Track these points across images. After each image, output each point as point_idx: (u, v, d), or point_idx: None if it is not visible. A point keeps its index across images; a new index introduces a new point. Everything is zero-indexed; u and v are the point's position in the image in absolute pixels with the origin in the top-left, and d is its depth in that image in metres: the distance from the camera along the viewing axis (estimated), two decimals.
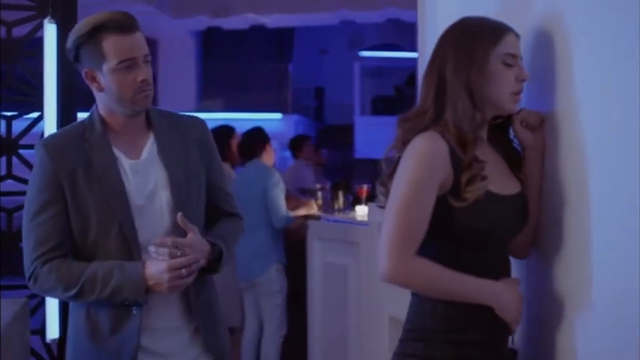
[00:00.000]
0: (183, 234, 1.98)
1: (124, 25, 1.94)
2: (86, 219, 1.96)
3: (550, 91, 1.86)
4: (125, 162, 2.01)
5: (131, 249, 1.96)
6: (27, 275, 1.96)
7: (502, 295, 1.73)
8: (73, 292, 1.92)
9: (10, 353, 1.59)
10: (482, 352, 1.75)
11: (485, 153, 1.80)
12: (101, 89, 1.98)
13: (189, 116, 2.19)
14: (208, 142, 2.17)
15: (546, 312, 1.85)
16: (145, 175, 2.02)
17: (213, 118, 11.01)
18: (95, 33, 1.93)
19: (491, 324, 1.74)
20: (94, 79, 1.98)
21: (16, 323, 1.67)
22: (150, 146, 2.06)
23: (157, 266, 1.91)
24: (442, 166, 1.70)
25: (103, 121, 2.03)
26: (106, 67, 1.94)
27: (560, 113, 1.83)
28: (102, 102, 2.02)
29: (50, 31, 2.61)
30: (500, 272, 1.80)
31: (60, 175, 1.95)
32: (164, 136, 2.08)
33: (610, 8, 1.63)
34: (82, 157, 1.98)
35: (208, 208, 2.16)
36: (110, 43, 1.92)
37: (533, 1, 1.97)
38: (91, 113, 2.06)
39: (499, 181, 1.78)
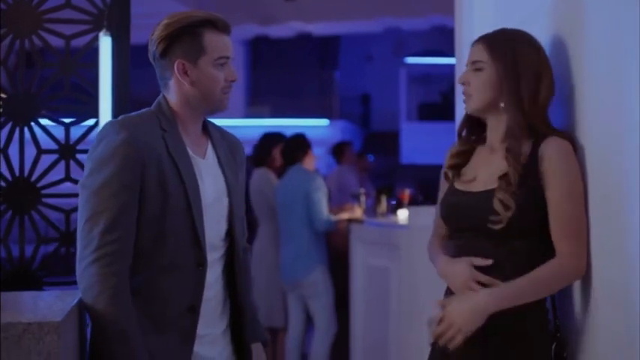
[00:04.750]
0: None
1: (224, 24, 2.01)
2: (165, 210, 1.91)
3: (565, 103, 1.97)
4: (195, 158, 2.02)
5: (201, 248, 1.95)
6: (88, 258, 1.84)
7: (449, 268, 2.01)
8: (105, 327, 1.82)
9: (65, 345, 1.71)
10: None
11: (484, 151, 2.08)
12: (191, 83, 1.99)
13: (232, 134, 2.22)
14: (244, 164, 2.21)
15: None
16: (213, 177, 2.04)
17: (261, 124, 11.20)
18: (197, 26, 1.97)
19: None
20: (185, 72, 1.98)
21: (72, 316, 1.79)
22: (210, 150, 2.08)
23: None
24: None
25: (174, 115, 2.03)
26: (203, 61, 1.98)
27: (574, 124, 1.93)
28: (182, 96, 2.01)
29: (105, 43, 2.76)
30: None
31: (145, 159, 1.90)
32: (218, 144, 2.11)
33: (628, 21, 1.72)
34: (162, 144, 1.95)
35: None
36: (211, 38, 1.98)
37: (560, 7, 2.06)
38: (159, 106, 2.04)
39: (471, 176, 2.05)
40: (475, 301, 1.87)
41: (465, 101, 2.04)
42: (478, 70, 2.00)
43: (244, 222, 2.19)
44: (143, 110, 2.06)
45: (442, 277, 2.04)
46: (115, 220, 1.85)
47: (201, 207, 1.96)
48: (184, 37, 1.97)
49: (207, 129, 2.11)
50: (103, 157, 1.89)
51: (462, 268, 1.96)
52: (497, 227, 1.91)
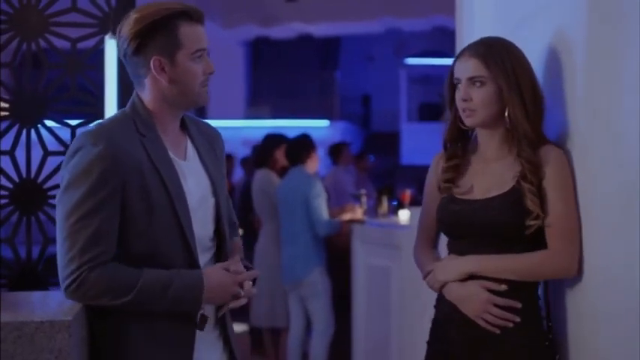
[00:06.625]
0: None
1: (198, 14, 1.90)
2: (150, 219, 1.83)
3: (564, 103, 1.99)
4: (177, 161, 1.92)
5: (192, 252, 1.89)
6: (67, 280, 1.78)
7: (461, 292, 2.00)
8: (126, 298, 1.79)
9: (75, 343, 1.74)
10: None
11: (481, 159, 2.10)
12: (169, 80, 1.87)
13: (209, 124, 2.12)
14: (224, 153, 2.12)
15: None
16: (196, 177, 1.96)
17: (262, 125, 11.24)
18: (171, 20, 1.85)
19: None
20: (162, 69, 1.87)
21: (81, 315, 1.82)
22: (190, 148, 1.99)
23: (218, 277, 1.88)
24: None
25: (150, 115, 1.91)
26: (180, 55, 1.86)
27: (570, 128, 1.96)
28: (159, 94, 1.90)
29: (111, 46, 2.79)
30: None
31: (123, 171, 1.80)
32: (198, 140, 2.01)
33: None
34: (142, 151, 1.86)
35: None
36: (187, 30, 1.86)
37: (560, 5, 2.07)
38: (134, 106, 1.92)
39: (468, 186, 2.07)
40: (459, 263, 2.02)
41: (467, 116, 2.02)
42: (479, 84, 1.99)
43: (230, 215, 2.11)
44: (117, 113, 1.98)
45: (453, 301, 2.01)
46: (93, 238, 1.78)
47: (188, 214, 1.89)
48: (159, 32, 1.85)
49: (184, 124, 2.01)
50: (80, 172, 1.80)
51: (476, 291, 1.97)
52: (534, 227, 1.93)
